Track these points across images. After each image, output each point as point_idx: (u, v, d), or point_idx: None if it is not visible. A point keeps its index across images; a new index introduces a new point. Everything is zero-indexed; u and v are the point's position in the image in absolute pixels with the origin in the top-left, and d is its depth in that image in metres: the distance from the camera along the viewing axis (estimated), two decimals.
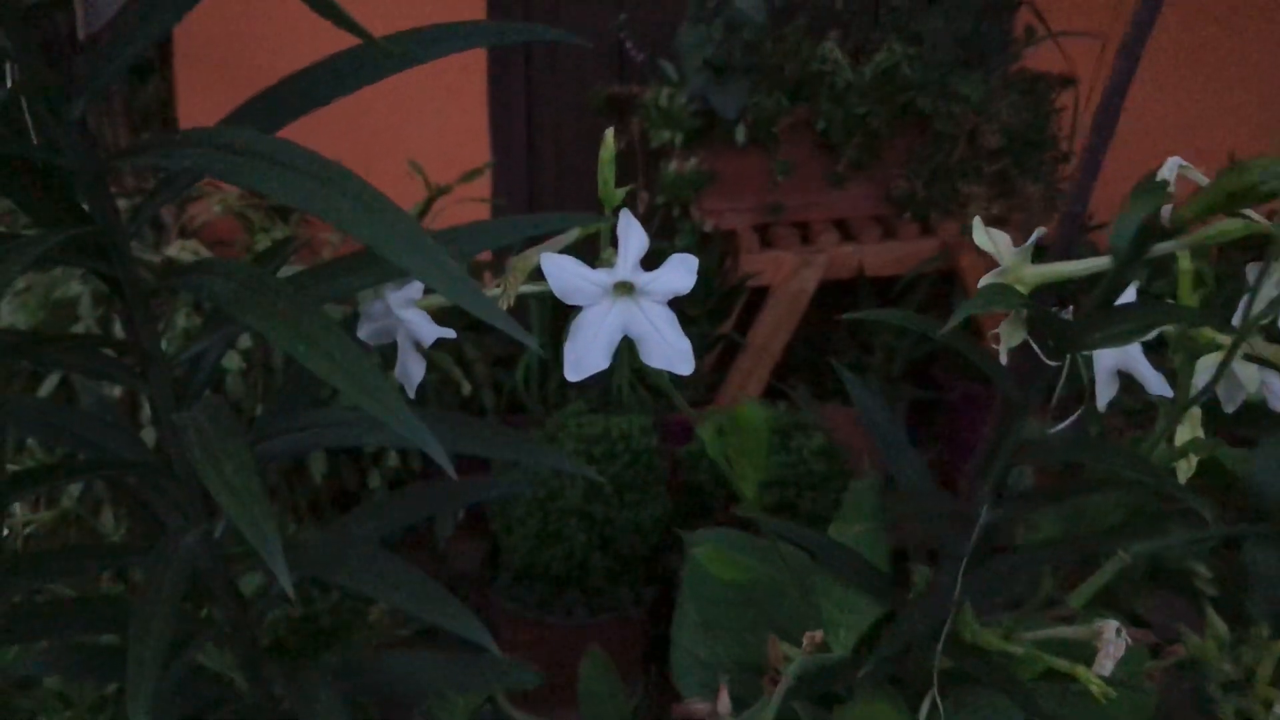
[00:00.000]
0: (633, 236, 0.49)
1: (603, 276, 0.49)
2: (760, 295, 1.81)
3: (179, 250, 1.38)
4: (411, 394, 0.56)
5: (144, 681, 0.47)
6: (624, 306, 0.49)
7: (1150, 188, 0.52)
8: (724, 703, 0.56)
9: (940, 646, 0.63)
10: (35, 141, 0.47)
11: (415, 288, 0.56)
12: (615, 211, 0.52)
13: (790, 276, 1.78)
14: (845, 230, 1.82)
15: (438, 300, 0.58)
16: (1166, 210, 0.50)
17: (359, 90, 0.53)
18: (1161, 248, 0.51)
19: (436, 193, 1.73)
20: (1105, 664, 0.63)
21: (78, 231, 0.47)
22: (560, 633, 1.56)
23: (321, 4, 0.44)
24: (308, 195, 0.44)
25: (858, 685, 0.65)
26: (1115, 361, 0.67)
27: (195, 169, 0.48)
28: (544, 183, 1.98)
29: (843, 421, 1.72)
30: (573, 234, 0.53)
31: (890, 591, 0.65)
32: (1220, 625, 0.70)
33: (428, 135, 1.90)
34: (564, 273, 0.49)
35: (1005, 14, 1.74)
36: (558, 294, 0.50)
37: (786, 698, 0.61)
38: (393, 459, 1.53)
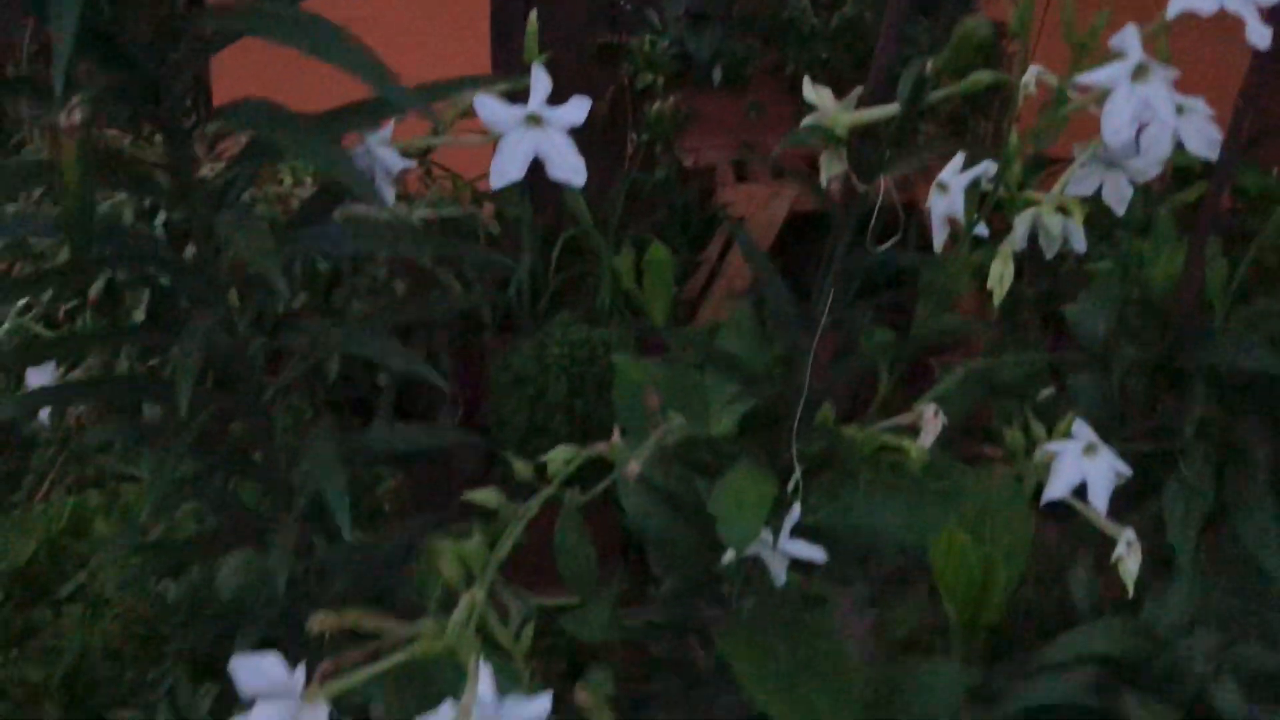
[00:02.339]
0: (540, 81, 0.67)
1: (518, 110, 0.67)
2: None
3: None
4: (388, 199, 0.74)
5: (167, 463, 0.65)
6: (534, 133, 0.67)
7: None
8: (616, 436, 0.74)
9: (795, 427, 0.81)
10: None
11: (387, 132, 0.74)
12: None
13: (763, 207, 1.95)
14: (814, 165, 1.99)
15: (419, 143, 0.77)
16: (929, 65, 0.67)
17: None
18: (934, 95, 0.69)
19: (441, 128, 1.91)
20: (927, 438, 0.81)
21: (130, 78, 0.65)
22: (549, 516, 1.74)
23: None
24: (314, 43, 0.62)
25: (736, 460, 0.83)
26: (945, 209, 0.85)
27: (231, 30, 0.66)
28: None
29: None
30: (501, 86, 0.71)
31: (764, 387, 0.83)
32: (1039, 428, 0.87)
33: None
34: (489, 108, 0.67)
35: None
36: (486, 125, 0.67)
37: (669, 459, 0.79)
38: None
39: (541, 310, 1.93)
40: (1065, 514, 1.16)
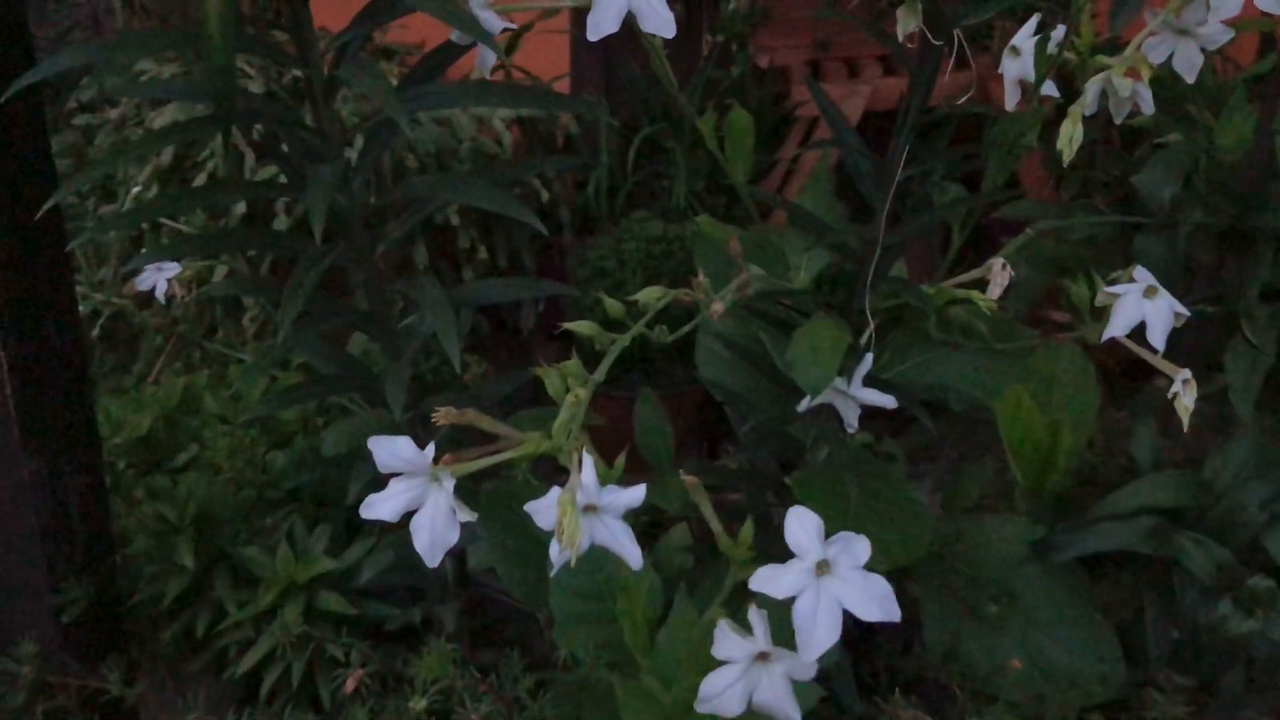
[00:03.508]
0: None
1: None
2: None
3: None
4: (486, 70, 0.79)
5: (298, 294, 0.72)
6: None
7: None
8: (702, 280, 0.79)
9: (869, 279, 0.86)
10: None
11: None
12: None
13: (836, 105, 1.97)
14: (889, 65, 2.00)
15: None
16: None
17: None
18: None
19: (520, 30, 1.96)
20: (994, 289, 0.85)
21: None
22: (625, 404, 1.81)
23: None
24: None
25: (814, 311, 0.88)
26: (1018, 72, 0.89)
27: None
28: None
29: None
30: None
31: (840, 243, 0.88)
32: (1099, 280, 0.89)
33: None
34: None
35: None
36: None
37: (750, 311, 0.85)
38: (483, 253, 1.79)
39: (619, 209, 1.98)
40: (1131, 389, 1.19)
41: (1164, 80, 0.85)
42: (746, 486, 1.03)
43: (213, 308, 1.77)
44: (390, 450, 0.55)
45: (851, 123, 1.97)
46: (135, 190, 1.32)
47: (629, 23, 0.71)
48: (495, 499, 0.97)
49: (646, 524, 1.37)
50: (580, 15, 0.75)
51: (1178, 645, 0.95)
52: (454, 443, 0.67)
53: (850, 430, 0.89)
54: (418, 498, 0.56)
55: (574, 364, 0.69)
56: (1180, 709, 0.84)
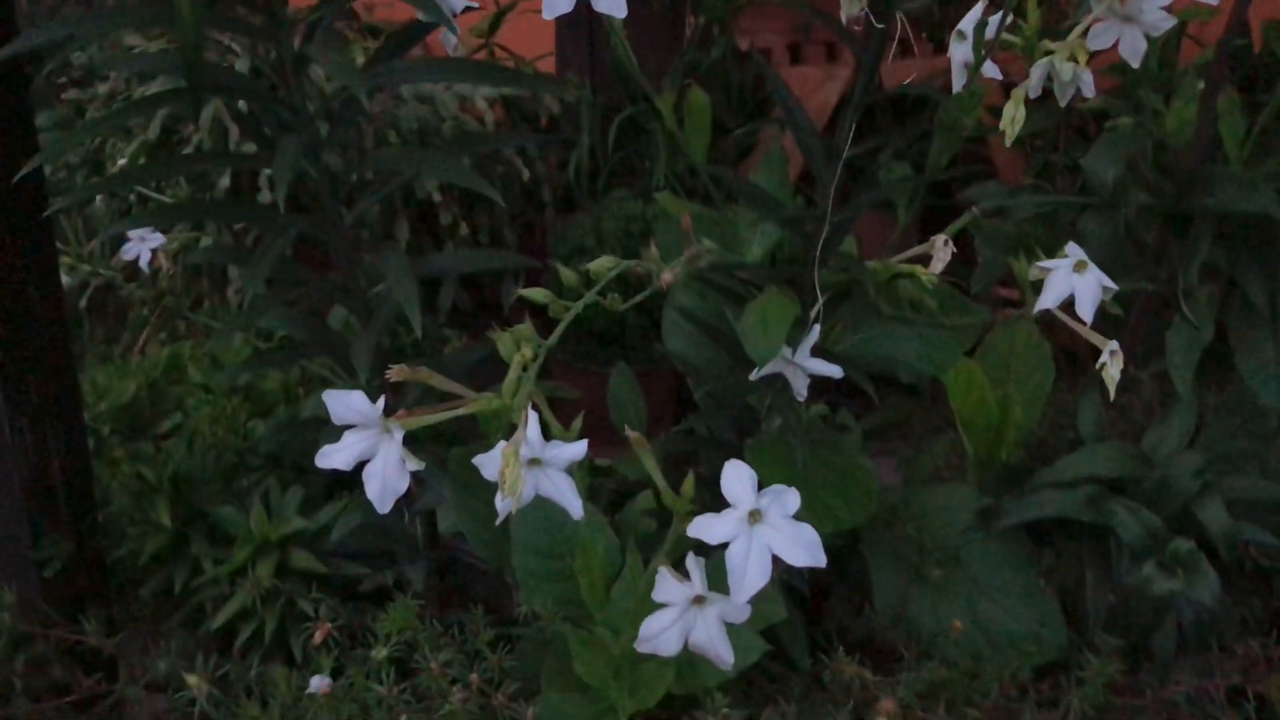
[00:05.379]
0: None
1: None
2: None
3: None
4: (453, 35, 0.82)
5: (264, 260, 0.76)
6: None
7: None
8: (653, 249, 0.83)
9: (817, 255, 0.89)
10: None
11: None
12: None
13: (815, 90, 2.00)
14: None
15: None
16: None
17: None
18: None
19: (504, 9, 1.99)
20: (936, 265, 0.89)
21: None
22: (602, 379, 1.85)
23: None
24: None
25: (766, 284, 0.92)
26: (964, 56, 0.92)
27: None
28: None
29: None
30: None
31: (790, 219, 0.91)
32: (1040, 254, 0.92)
33: None
34: None
35: None
36: None
37: (707, 285, 0.88)
38: (464, 230, 1.82)
39: (600, 188, 2.01)
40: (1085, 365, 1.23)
41: (1125, 65, 0.88)
42: (706, 453, 1.07)
43: (200, 281, 1.81)
44: (344, 403, 0.59)
45: (829, 107, 2.01)
46: (121, 162, 1.35)
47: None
48: (461, 462, 1.01)
49: (614, 493, 1.41)
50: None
51: (1115, 610, 0.99)
52: (421, 405, 0.70)
53: (800, 398, 0.93)
54: (370, 448, 0.60)
55: (526, 327, 0.73)
56: (1113, 669, 0.88)
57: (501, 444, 0.62)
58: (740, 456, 1.05)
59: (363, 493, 0.62)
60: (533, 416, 0.62)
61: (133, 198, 1.65)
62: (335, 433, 0.98)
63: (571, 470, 0.64)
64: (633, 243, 1.83)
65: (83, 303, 1.80)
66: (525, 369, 0.67)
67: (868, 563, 1.06)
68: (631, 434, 0.69)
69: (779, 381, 0.96)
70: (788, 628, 1.03)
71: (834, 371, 0.90)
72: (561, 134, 2.00)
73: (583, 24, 2.22)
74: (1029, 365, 1.17)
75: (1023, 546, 1.03)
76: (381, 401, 0.59)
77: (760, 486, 0.98)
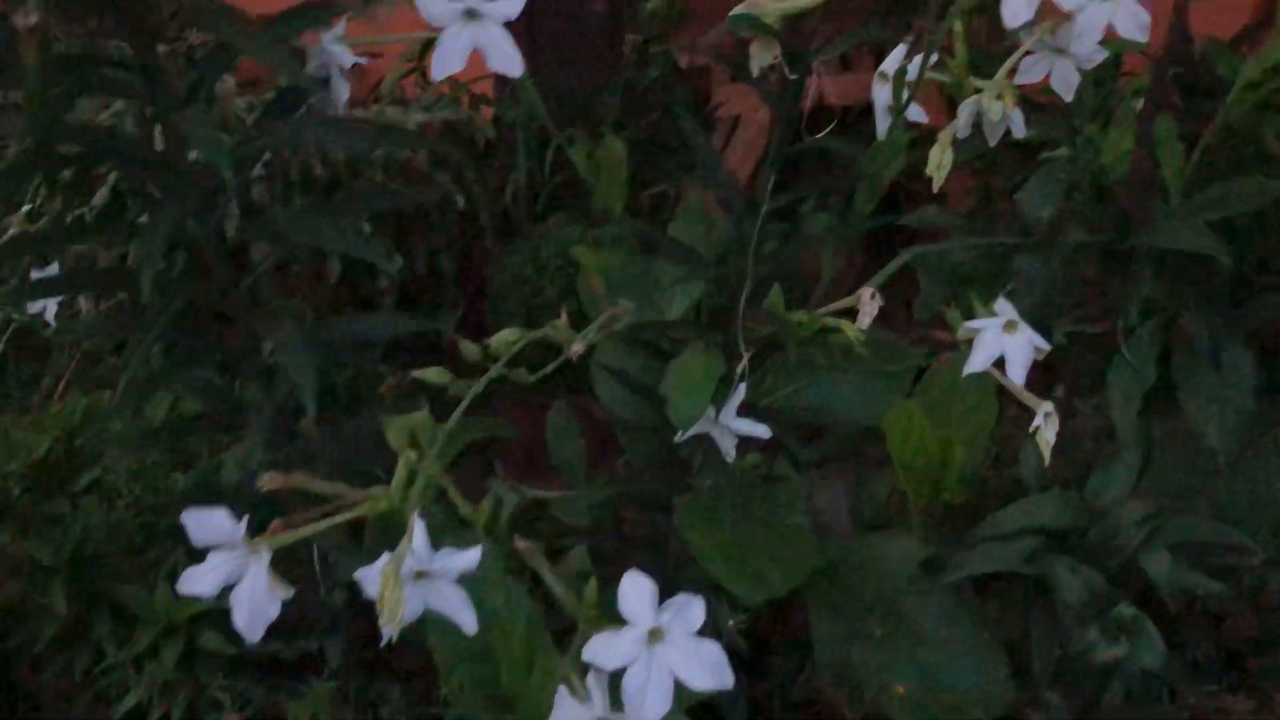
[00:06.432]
0: None
1: (456, 5, 0.70)
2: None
3: None
4: (339, 108, 0.77)
5: (139, 349, 0.70)
6: (473, 27, 0.70)
7: None
8: (564, 320, 0.78)
9: (741, 310, 0.85)
10: None
11: (339, 30, 0.77)
12: None
13: (755, 107, 1.96)
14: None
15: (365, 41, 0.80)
16: None
17: None
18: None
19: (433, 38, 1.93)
20: (864, 319, 0.85)
21: None
22: (541, 411, 1.80)
23: None
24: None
25: (689, 342, 0.87)
26: (887, 98, 0.88)
27: None
28: (543, 21, 2.15)
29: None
30: None
31: (712, 270, 0.87)
32: (981, 309, 0.89)
33: None
34: (428, 2, 0.70)
35: None
36: (426, 19, 0.70)
37: (630, 343, 0.84)
38: (395, 261, 1.76)
39: (540, 212, 1.96)
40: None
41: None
42: (637, 510, 1.03)
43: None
44: (205, 523, 0.54)
45: (767, 125, 1.97)
46: (11, 232, 1.29)
47: (563, 18, 0.69)
48: (379, 528, 0.96)
49: (550, 537, 1.37)
50: None
51: (1062, 662, 0.95)
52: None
53: (728, 459, 0.89)
54: (237, 571, 0.55)
55: (421, 415, 0.68)
56: None
57: (386, 556, 0.57)
58: (669, 514, 1.02)
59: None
60: (419, 526, 0.58)
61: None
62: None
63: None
64: (573, 270, 1.78)
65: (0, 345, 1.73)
66: (415, 470, 0.62)
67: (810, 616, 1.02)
68: (523, 546, 0.65)
69: (707, 439, 0.92)
70: (725, 692, 0.99)
71: (761, 432, 0.86)
72: (497, 159, 1.95)
73: (521, 44, 2.16)
74: (970, 403, 1.13)
75: (968, 598, 1.00)
76: (244, 523, 0.54)
77: (690, 551, 0.94)
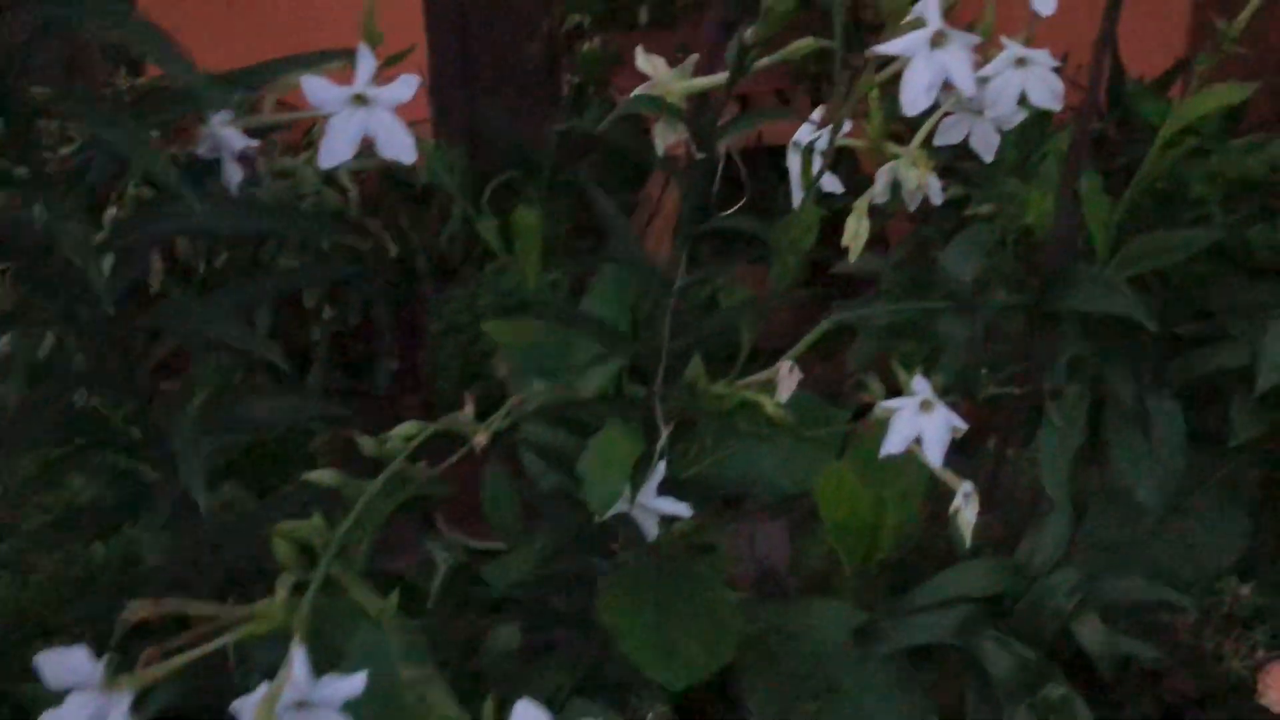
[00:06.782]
0: (364, 61, 0.67)
1: (344, 91, 0.67)
2: None
3: None
4: (233, 188, 0.75)
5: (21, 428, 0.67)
6: (362, 113, 0.68)
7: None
8: (468, 410, 0.75)
9: (658, 386, 0.83)
10: None
11: (227, 114, 0.75)
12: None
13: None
14: (747, 104, 1.98)
15: (253, 121, 0.77)
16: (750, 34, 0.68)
17: None
18: (759, 64, 0.69)
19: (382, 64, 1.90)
20: (783, 392, 0.83)
21: None
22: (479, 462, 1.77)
23: None
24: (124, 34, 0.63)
25: (606, 419, 0.85)
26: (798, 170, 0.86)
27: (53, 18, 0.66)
28: (480, 63, 2.13)
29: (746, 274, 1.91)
30: (333, 64, 0.72)
31: (630, 348, 0.85)
32: (904, 374, 0.87)
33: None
34: (315, 89, 0.67)
35: None
36: (313, 105, 0.68)
37: (533, 420, 0.81)
38: (326, 312, 1.73)
39: (477, 257, 1.93)
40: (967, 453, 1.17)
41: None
42: (566, 590, 1.00)
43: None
44: (60, 665, 0.50)
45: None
46: None
47: (499, 59, 0.67)
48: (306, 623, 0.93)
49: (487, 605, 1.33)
50: (437, 56, 0.70)
51: None
52: None
53: (649, 539, 0.87)
54: (96, 715, 0.51)
55: (317, 521, 0.65)
56: None
57: (263, 687, 0.54)
58: (593, 589, 0.99)
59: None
60: (299, 653, 0.55)
61: None
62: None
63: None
64: (512, 317, 1.76)
65: None
66: (301, 587, 0.59)
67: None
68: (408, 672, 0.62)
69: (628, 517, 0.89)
70: None
71: (681, 511, 0.84)
72: (433, 203, 1.92)
73: (461, 86, 2.14)
74: (905, 461, 1.11)
75: (904, 668, 0.97)
76: (102, 664, 0.51)
77: (613, 633, 0.91)
